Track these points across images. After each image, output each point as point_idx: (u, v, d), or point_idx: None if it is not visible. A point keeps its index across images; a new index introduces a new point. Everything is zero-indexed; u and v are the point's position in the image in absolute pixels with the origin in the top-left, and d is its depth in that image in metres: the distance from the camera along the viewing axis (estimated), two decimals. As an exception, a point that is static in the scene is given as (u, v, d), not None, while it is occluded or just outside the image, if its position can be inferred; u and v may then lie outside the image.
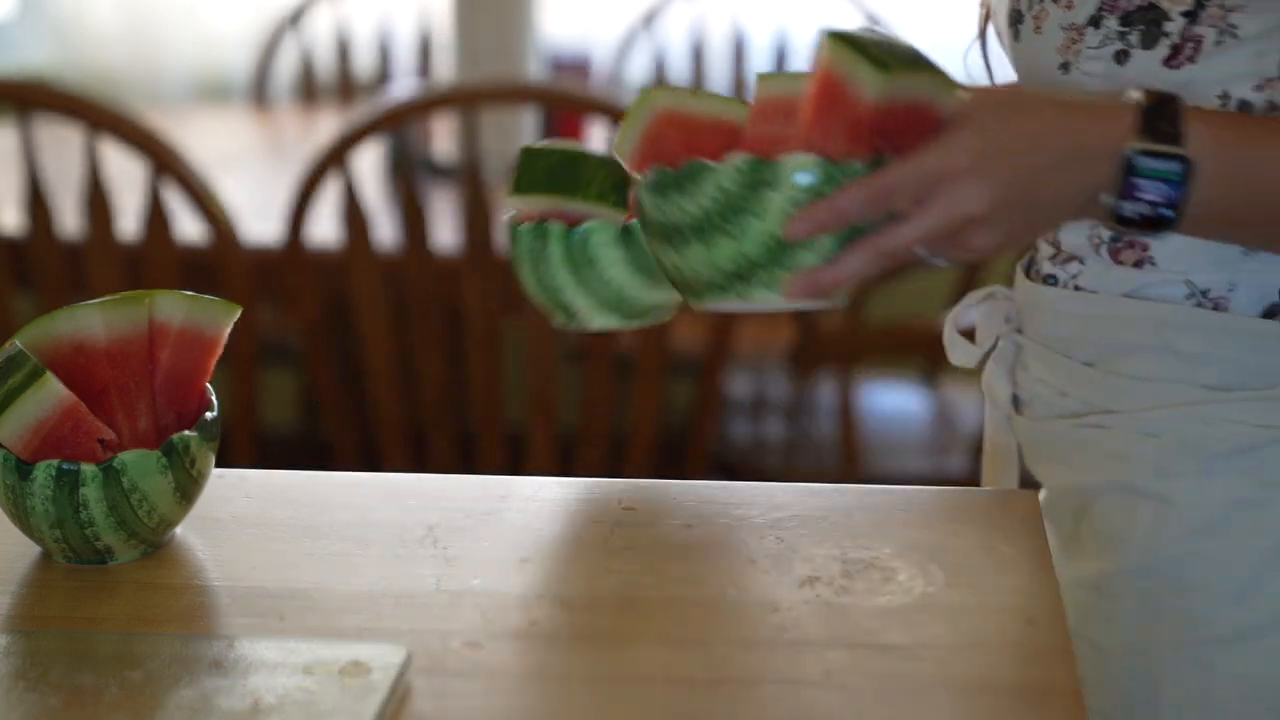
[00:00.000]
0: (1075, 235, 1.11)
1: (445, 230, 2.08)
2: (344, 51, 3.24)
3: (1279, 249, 1.04)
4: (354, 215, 1.96)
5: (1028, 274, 1.16)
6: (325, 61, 3.28)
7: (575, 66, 2.66)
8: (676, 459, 2.23)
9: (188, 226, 2.03)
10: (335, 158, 1.94)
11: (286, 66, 3.30)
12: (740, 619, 0.93)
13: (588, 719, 0.85)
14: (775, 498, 1.06)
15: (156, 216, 1.99)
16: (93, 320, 1.01)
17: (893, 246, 0.94)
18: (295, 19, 3.24)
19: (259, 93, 3.23)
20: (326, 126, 2.97)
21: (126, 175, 2.13)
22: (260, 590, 0.96)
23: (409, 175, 1.95)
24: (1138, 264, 1.08)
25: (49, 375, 0.97)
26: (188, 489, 0.99)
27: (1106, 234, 1.08)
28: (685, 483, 1.09)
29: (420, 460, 2.09)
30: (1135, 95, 0.95)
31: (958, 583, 0.96)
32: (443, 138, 2.53)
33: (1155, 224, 0.95)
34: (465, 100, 1.94)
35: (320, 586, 0.96)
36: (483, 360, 2.01)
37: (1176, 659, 1.09)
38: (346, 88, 3.24)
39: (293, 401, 3.24)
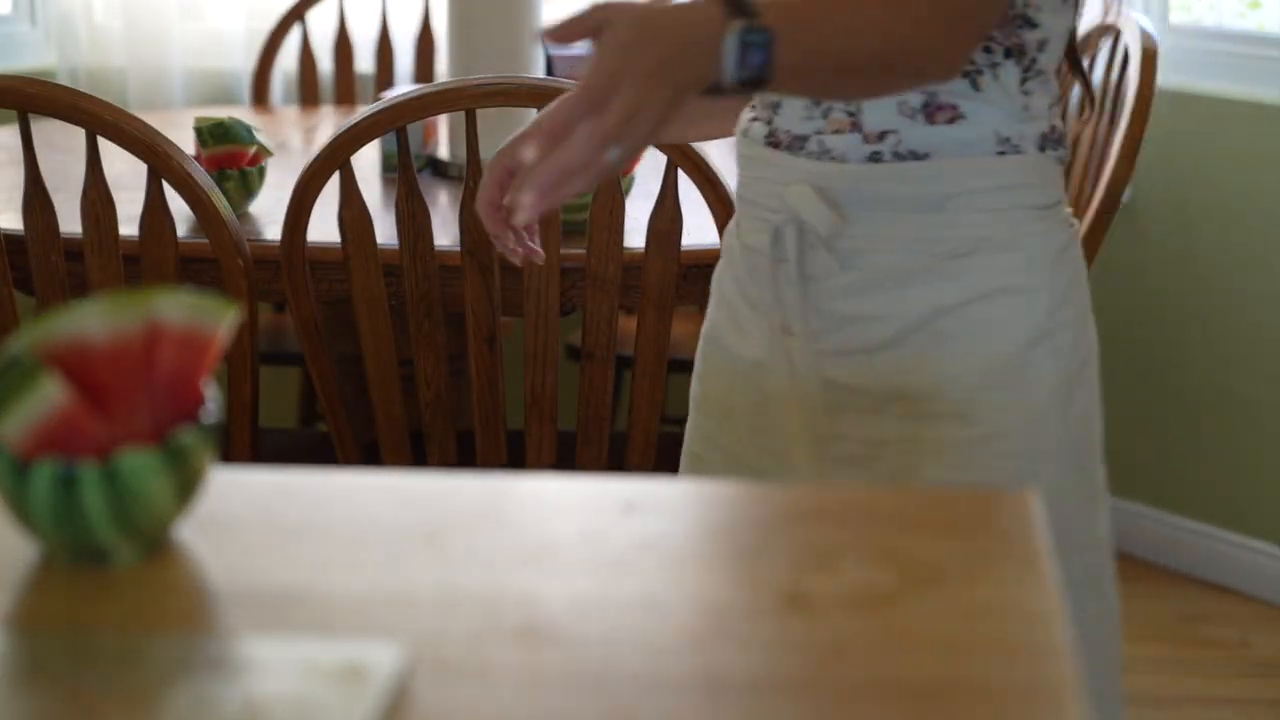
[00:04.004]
0: (883, 111, 1.37)
1: (445, 230, 2.08)
2: (344, 52, 3.24)
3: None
4: (354, 215, 1.96)
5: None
6: (325, 62, 3.28)
7: (576, 66, 2.66)
8: (676, 458, 2.22)
9: (187, 226, 2.03)
10: (335, 158, 1.94)
11: (286, 67, 3.30)
12: (739, 619, 0.93)
13: None
14: (774, 497, 1.06)
15: (156, 216, 1.99)
16: (92, 320, 1.01)
17: (595, 143, 1.11)
18: (295, 19, 3.24)
19: (259, 93, 3.23)
20: (326, 126, 2.97)
21: (126, 175, 2.12)
22: (259, 590, 0.96)
23: (409, 175, 1.95)
24: (951, 121, 1.37)
25: (49, 375, 0.97)
26: (187, 489, 0.99)
27: (918, 101, 1.37)
28: (685, 482, 1.09)
29: (420, 460, 2.09)
30: None
31: (954, 583, 0.96)
32: (443, 138, 2.52)
33: (757, 84, 1.17)
34: (465, 100, 1.94)
35: (320, 586, 0.96)
36: (483, 360, 2.01)
37: None
38: (346, 88, 3.24)
39: (293, 401, 3.24)
